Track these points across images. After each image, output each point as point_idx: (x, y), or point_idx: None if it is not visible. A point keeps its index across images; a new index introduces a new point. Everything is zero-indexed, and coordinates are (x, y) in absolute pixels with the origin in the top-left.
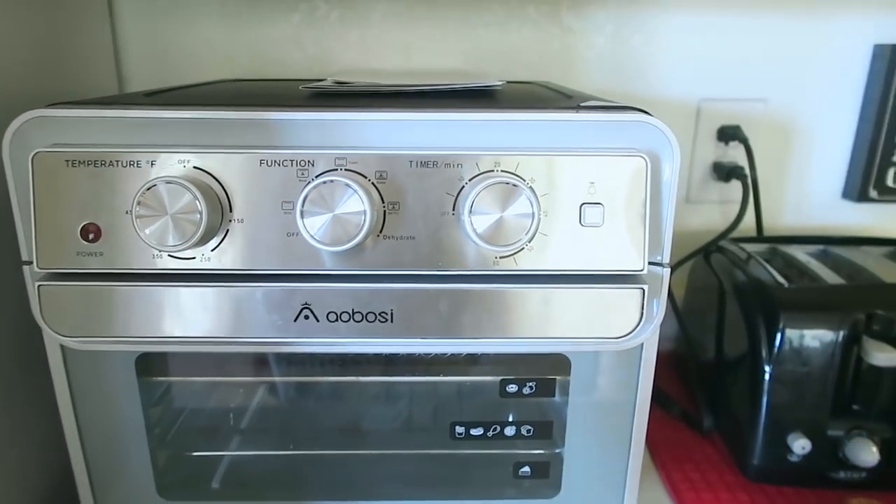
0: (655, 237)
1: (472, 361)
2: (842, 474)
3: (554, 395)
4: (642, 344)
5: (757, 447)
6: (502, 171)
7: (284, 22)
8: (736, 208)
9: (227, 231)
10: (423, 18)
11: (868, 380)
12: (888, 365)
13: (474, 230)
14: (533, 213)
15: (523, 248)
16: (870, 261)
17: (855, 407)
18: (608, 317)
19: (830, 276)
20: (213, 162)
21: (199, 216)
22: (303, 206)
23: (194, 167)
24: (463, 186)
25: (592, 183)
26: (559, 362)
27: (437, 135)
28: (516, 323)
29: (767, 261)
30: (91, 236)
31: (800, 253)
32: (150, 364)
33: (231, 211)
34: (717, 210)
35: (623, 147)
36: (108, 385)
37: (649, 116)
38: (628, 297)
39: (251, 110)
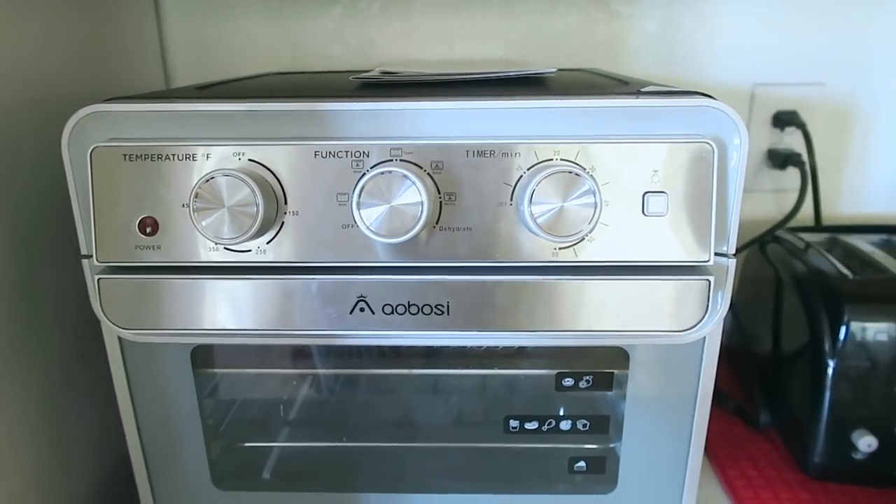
0: (721, 226)
1: (527, 355)
2: None
3: (611, 389)
4: (705, 337)
5: (819, 444)
6: (562, 159)
7: (326, 15)
8: (791, 197)
9: (283, 224)
10: (465, 7)
11: None
12: None
13: (534, 220)
14: (596, 203)
15: (584, 239)
16: None
17: None
18: (671, 309)
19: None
20: (268, 154)
21: (255, 209)
22: (359, 197)
23: (249, 160)
24: (521, 176)
25: (656, 171)
26: (617, 355)
27: (493, 124)
28: (575, 316)
29: (828, 251)
30: (148, 230)
31: (861, 242)
32: (206, 356)
33: (286, 203)
34: (771, 199)
35: (687, 133)
36: (165, 376)
37: (714, 101)
38: (693, 289)
39: (304, 101)
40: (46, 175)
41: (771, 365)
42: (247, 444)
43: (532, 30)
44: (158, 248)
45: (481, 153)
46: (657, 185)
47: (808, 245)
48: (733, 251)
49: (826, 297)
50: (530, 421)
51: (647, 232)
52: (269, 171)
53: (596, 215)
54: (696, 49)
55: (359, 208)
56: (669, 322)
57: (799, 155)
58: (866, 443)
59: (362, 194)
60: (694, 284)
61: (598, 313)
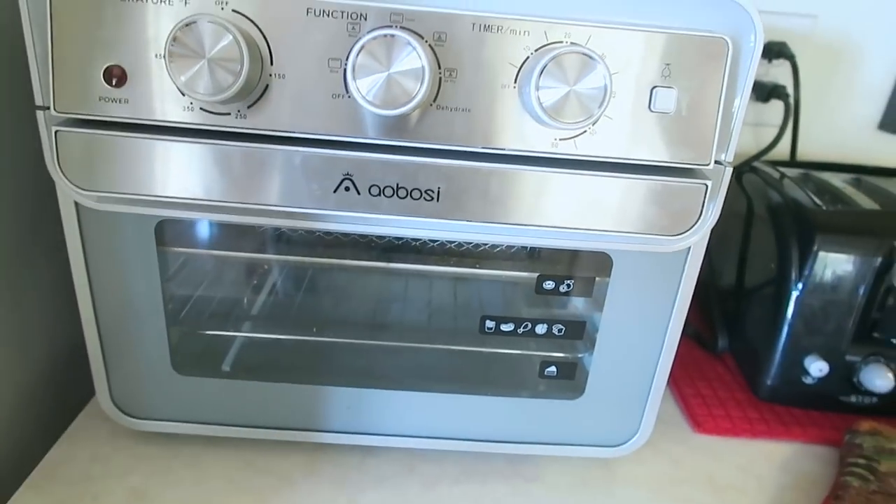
0: (724, 133)
1: (509, 256)
2: (853, 399)
3: (591, 295)
4: (689, 249)
5: (773, 368)
6: (572, 42)
7: None
8: (769, 131)
9: (267, 87)
10: None
11: (893, 308)
12: None
13: (539, 103)
14: (606, 88)
15: (585, 131)
16: None
17: (875, 334)
18: (665, 212)
19: (865, 202)
20: (255, 6)
21: (239, 65)
22: (356, 59)
23: (234, 10)
24: (528, 57)
25: (668, 64)
26: (601, 261)
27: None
28: (569, 212)
29: (801, 184)
30: (115, 80)
31: (834, 179)
32: (171, 232)
33: (271, 64)
34: (750, 132)
35: (702, 27)
36: (125, 251)
37: None
38: (690, 193)
39: None
40: None
41: (733, 293)
42: (210, 332)
43: None
44: (126, 101)
45: (488, 27)
46: (667, 81)
47: (783, 177)
48: (731, 159)
49: (798, 226)
50: (506, 322)
51: (650, 129)
52: (254, 26)
53: (605, 102)
54: None
55: (354, 74)
56: (661, 225)
57: (784, 88)
58: (818, 368)
59: (359, 56)
60: (691, 188)
61: (592, 211)
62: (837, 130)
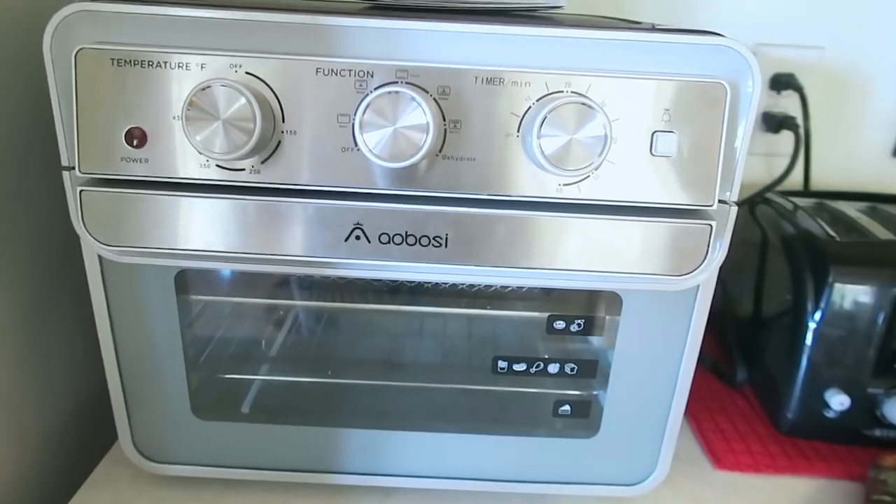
0: (727, 173)
1: (520, 296)
2: (877, 432)
3: (602, 334)
4: (698, 287)
5: (793, 401)
6: (573, 91)
7: None
8: (782, 162)
9: (279, 143)
10: None
11: None
12: None
13: (542, 152)
14: (606, 136)
15: (589, 176)
16: None
17: None
18: (671, 253)
19: (881, 232)
20: (267, 68)
21: (252, 124)
22: (363, 116)
23: (247, 73)
24: (530, 107)
25: (667, 109)
26: (610, 300)
27: (504, 51)
28: (575, 255)
29: (815, 214)
30: (136, 141)
31: (848, 209)
32: (191, 281)
33: (283, 122)
34: (762, 163)
35: (700, 73)
36: (146, 300)
37: (730, 40)
38: (694, 234)
39: (308, 14)
40: (27, 78)
41: (751, 325)
42: (229, 376)
43: None
44: (146, 161)
45: (490, 80)
46: (667, 125)
47: (796, 207)
48: (736, 199)
49: (812, 258)
50: (519, 363)
51: (653, 172)
52: (266, 87)
53: (605, 150)
54: (700, 4)
55: (361, 129)
56: (667, 265)
57: (794, 118)
58: (839, 401)
59: (366, 113)
60: (695, 229)
61: (598, 253)
62: (851, 159)
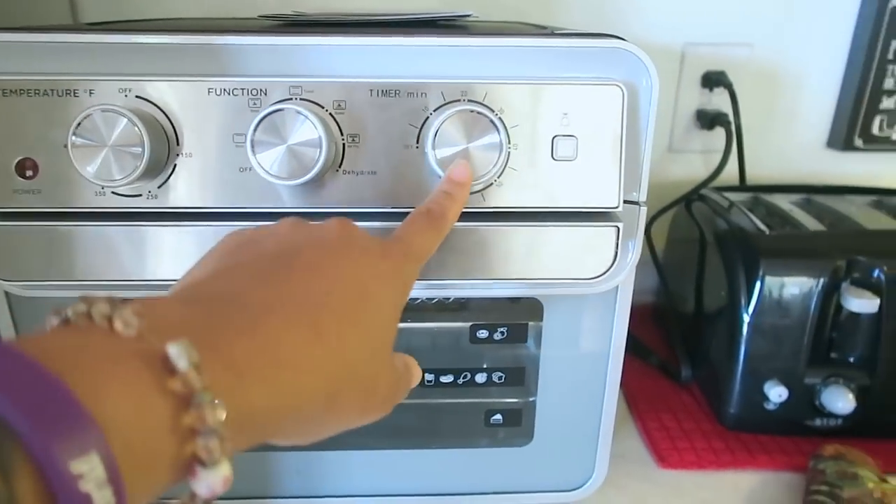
0: (632, 173)
1: (441, 307)
2: (818, 422)
3: (526, 341)
4: (617, 288)
5: (734, 396)
6: (469, 100)
7: None
8: (719, 157)
9: (175, 166)
10: None
11: (846, 327)
12: (867, 311)
13: (438, 163)
14: (501, 144)
15: (492, 184)
16: (853, 209)
17: (833, 355)
18: (581, 257)
19: (813, 224)
20: (158, 91)
21: (141, 148)
22: (254, 136)
23: (137, 96)
24: (427, 117)
25: (566, 114)
26: (531, 307)
27: (400, 63)
28: (487, 264)
29: (750, 209)
30: (28, 172)
31: (783, 202)
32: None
33: (178, 144)
34: (700, 159)
35: (598, 76)
36: None
37: (626, 42)
38: (602, 236)
39: (199, 35)
40: None
41: (693, 322)
42: None
43: None
44: (39, 192)
45: (386, 93)
46: (567, 129)
47: (731, 204)
48: (644, 198)
49: (743, 253)
50: (445, 374)
51: (556, 176)
52: (158, 110)
53: (502, 158)
54: (628, 7)
55: (254, 149)
56: (580, 270)
57: (726, 115)
58: (777, 393)
59: (257, 133)
60: (602, 231)
61: (510, 261)
62: (785, 152)
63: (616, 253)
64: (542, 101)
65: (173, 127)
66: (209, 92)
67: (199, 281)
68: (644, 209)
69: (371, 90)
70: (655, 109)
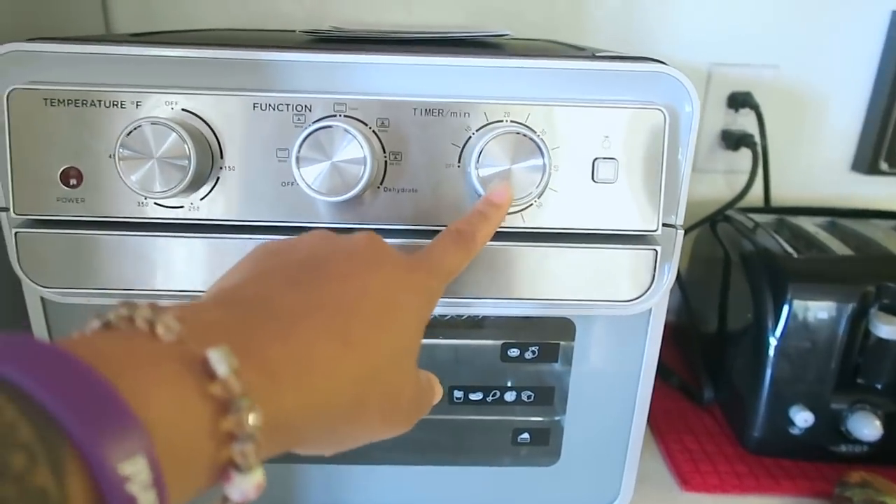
0: (671, 196)
1: (472, 324)
2: (843, 448)
3: (557, 361)
4: (650, 310)
5: (758, 419)
6: (512, 121)
7: None
8: (742, 179)
9: (218, 179)
10: None
11: (874, 353)
12: None
13: (481, 183)
14: (544, 166)
15: (531, 205)
16: (879, 233)
17: (859, 381)
18: (618, 279)
19: (839, 248)
20: (204, 104)
21: (187, 161)
22: (299, 152)
23: (183, 109)
24: (470, 137)
25: (607, 137)
26: (563, 326)
27: (443, 82)
28: (521, 284)
29: (775, 231)
30: (72, 181)
31: (808, 224)
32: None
33: (222, 157)
34: (723, 180)
35: (639, 100)
36: None
37: (668, 67)
38: (640, 259)
39: (244, 50)
40: None
41: (716, 343)
42: None
43: None
44: (82, 201)
45: (429, 112)
46: (607, 152)
47: (756, 225)
48: (681, 222)
49: (770, 276)
50: (475, 392)
51: (595, 199)
52: (203, 123)
53: (544, 180)
54: (656, 25)
55: (298, 164)
56: (616, 292)
57: (752, 136)
58: (803, 418)
59: (303, 149)
60: (641, 254)
61: (545, 282)
62: (810, 174)
63: (653, 276)
64: (583, 124)
65: (217, 140)
66: (254, 107)
67: (233, 285)
68: (681, 233)
69: (415, 109)
70: (696, 134)
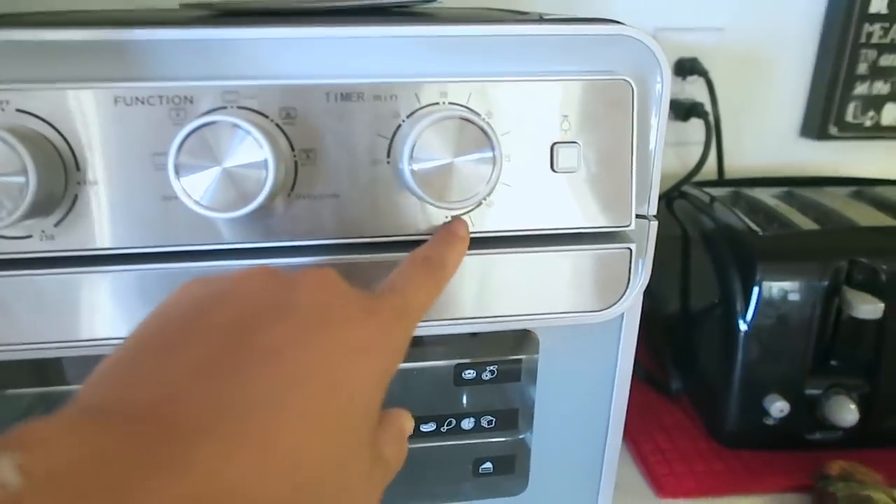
0: (642, 183)
1: (416, 342)
2: (818, 435)
3: (519, 379)
4: (622, 315)
5: (731, 411)
6: (451, 103)
7: None
8: (693, 150)
9: (76, 197)
10: None
11: (848, 333)
12: (871, 317)
13: (416, 183)
14: (494, 157)
15: (481, 204)
16: (837, 202)
17: (833, 363)
18: (587, 286)
19: (802, 221)
20: (47, 103)
21: (24, 178)
22: (177, 157)
23: (18, 110)
24: (399, 125)
25: (566, 116)
26: (525, 340)
27: (362, 60)
28: (471, 300)
29: (733, 205)
30: None
31: (765, 196)
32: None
33: (78, 170)
34: (673, 153)
35: (600, 70)
36: None
37: (631, 28)
38: (612, 260)
39: (98, 29)
40: None
41: (680, 328)
42: None
43: None
44: None
45: (346, 96)
46: (568, 135)
47: (713, 199)
48: (654, 212)
49: (737, 256)
50: (426, 422)
51: (556, 192)
52: (49, 127)
53: (495, 173)
54: None
55: (178, 173)
56: (584, 301)
57: (702, 105)
58: (778, 408)
59: (181, 153)
60: (612, 255)
61: (500, 295)
62: (761, 143)
63: (629, 279)
64: (537, 102)
65: (70, 148)
66: (117, 101)
67: (125, 375)
68: (654, 224)
69: (328, 94)
70: (667, 107)
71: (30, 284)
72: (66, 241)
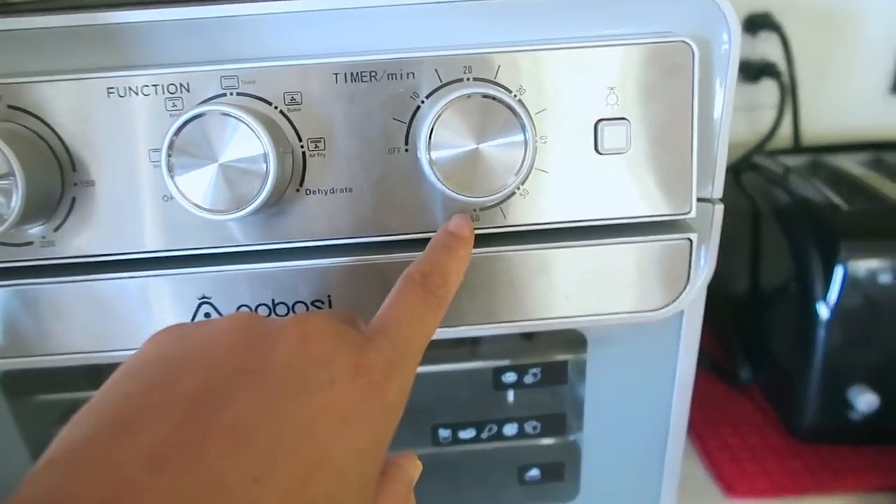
0: (704, 162)
1: (450, 342)
2: None
3: (566, 382)
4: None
5: (810, 404)
6: (475, 79)
7: None
8: (765, 115)
9: (74, 200)
10: None
11: None
12: None
13: (435, 172)
14: (525, 141)
15: (514, 194)
16: None
17: None
18: (641, 283)
19: (893, 190)
20: (36, 97)
21: (11, 180)
22: (170, 154)
23: (9, 107)
24: (418, 107)
25: (612, 89)
26: (571, 339)
27: (374, 32)
28: (510, 302)
29: (812, 176)
30: None
31: (849, 163)
32: (23, 382)
33: (74, 170)
34: (743, 119)
35: (654, 31)
36: None
37: None
38: (671, 253)
39: (86, 13)
40: None
41: (750, 313)
42: None
43: None
44: None
45: (357, 76)
46: (614, 111)
47: (788, 170)
48: (719, 194)
49: (817, 233)
50: (465, 428)
51: (602, 177)
52: (40, 123)
53: (528, 159)
54: None
55: (172, 172)
56: (638, 300)
57: (774, 65)
58: (866, 401)
59: (174, 150)
60: (670, 246)
61: (542, 296)
62: (845, 104)
63: (689, 272)
64: (578, 73)
65: (64, 146)
66: (109, 93)
67: (70, 461)
68: (720, 208)
69: (336, 74)
70: (735, 73)
71: (31, 294)
72: (65, 247)
